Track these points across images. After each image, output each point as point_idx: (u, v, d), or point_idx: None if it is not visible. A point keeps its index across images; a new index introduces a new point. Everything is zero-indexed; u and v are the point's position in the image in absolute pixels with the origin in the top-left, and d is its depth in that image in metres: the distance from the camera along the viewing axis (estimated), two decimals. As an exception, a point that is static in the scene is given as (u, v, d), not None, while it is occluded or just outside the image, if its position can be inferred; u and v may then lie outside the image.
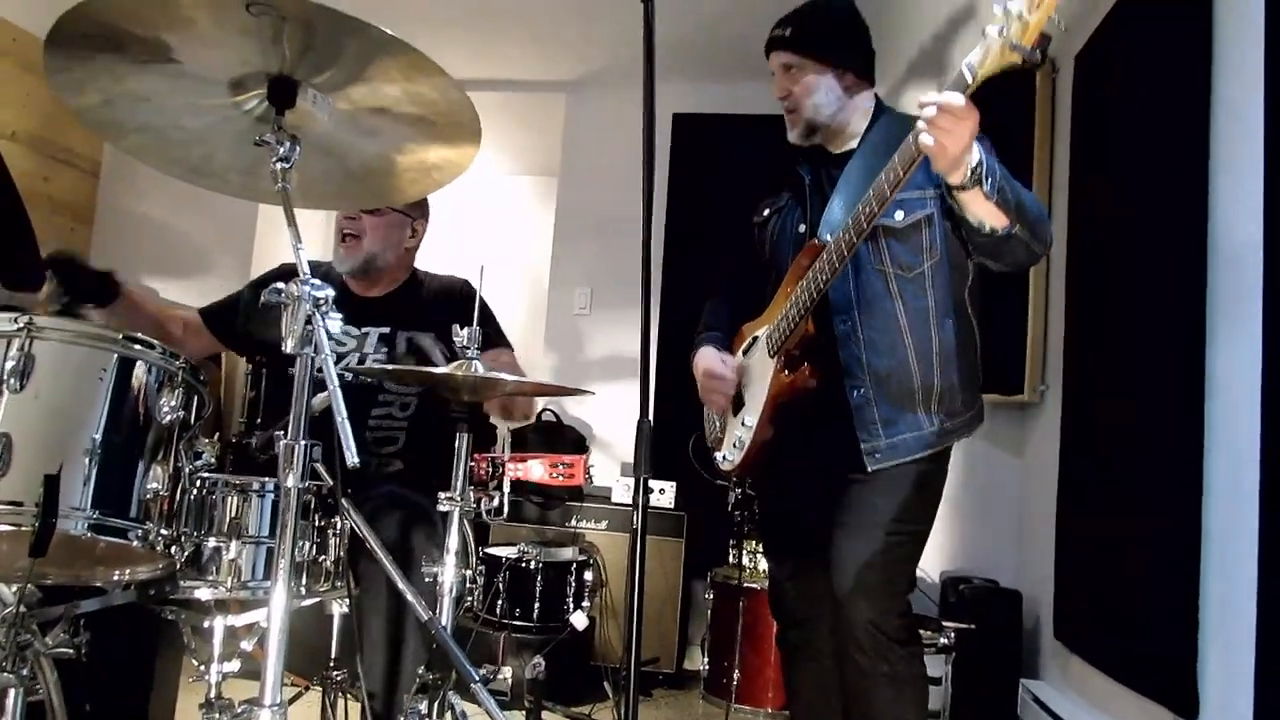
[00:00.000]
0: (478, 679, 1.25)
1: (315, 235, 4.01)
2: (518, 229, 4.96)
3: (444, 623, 1.41)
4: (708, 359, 1.78)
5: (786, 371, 1.63)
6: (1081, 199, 2.42)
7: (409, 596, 1.39)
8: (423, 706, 1.37)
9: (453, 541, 1.48)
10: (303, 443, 1.06)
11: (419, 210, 2.08)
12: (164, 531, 1.27)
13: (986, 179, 1.34)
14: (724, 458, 1.78)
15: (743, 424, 1.72)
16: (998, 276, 1.67)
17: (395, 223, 2.01)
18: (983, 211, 1.39)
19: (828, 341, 1.63)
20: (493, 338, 1.92)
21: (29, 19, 3.65)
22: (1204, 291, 1.70)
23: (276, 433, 1.09)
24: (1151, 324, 1.89)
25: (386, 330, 1.99)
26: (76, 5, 1.04)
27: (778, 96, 1.74)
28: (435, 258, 2.21)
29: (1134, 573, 1.87)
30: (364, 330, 1.98)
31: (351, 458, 0.97)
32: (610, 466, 3.64)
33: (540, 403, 3.52)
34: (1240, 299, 1.59)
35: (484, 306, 1.70)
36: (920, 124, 1.29)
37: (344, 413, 1.00)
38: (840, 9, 1.75)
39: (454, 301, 1.93)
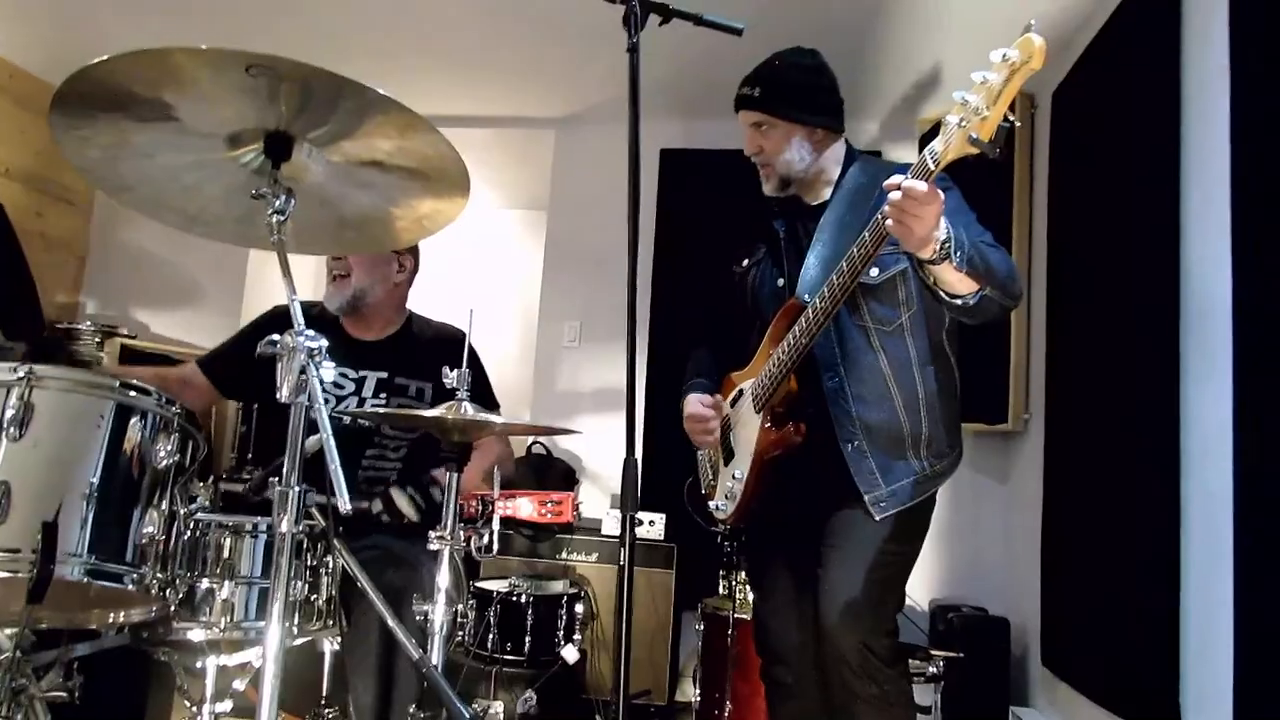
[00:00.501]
0: (469, 718, 1.27)
1: (306, 274, 4.04)
2: (507, 262, 5.00)
3: (434, 661, 1.42)
4: (690, 404, 1.82)
5: (773, 428, 1.66)
6: (1060, 230, 2.48)
7: (400, 636, 1.40)
8: (414, 746, 1.38)
9: (443, 579, 1.49)
10: (297, 489, 1.09)
11: (406, 247, 2.12)
12: (159, 575, 1.28)
13: (955, 252, 1.36)
14: (718, 507, 1.81)
15: (733, 476, 1.75)
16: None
17: (381, 259, 2.05)
18: (953, 280, 1.42)
19: (814, 396, 1.66)
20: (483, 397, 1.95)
21: (25, 56, 3.69)
22: (1177, 323, 1.75)
23: (271, 478, 1.11)
24: (1129, 355, 1.94)
25: (384, 375, 2.02)
26: (83, 68, 1.07)
27: (749, 153, 1.76)
28: (425, 288, 2.25)
29: (1116, 600, 1.90)
30: (361, 374, 2.00)
31: (344, 505, 0.99)
32: (600, 499, 3.64)
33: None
34: (1211, 332, 1.64)
35: (478, 366, 1.69)
36: (886, 208, 1.33)
37: (337, 460, 1.03)
38: (807, 64, 1.74)
39: (449, 349, 1.93)
